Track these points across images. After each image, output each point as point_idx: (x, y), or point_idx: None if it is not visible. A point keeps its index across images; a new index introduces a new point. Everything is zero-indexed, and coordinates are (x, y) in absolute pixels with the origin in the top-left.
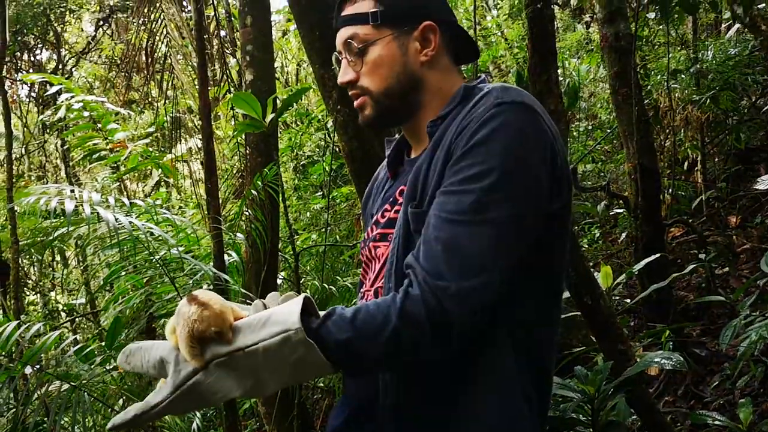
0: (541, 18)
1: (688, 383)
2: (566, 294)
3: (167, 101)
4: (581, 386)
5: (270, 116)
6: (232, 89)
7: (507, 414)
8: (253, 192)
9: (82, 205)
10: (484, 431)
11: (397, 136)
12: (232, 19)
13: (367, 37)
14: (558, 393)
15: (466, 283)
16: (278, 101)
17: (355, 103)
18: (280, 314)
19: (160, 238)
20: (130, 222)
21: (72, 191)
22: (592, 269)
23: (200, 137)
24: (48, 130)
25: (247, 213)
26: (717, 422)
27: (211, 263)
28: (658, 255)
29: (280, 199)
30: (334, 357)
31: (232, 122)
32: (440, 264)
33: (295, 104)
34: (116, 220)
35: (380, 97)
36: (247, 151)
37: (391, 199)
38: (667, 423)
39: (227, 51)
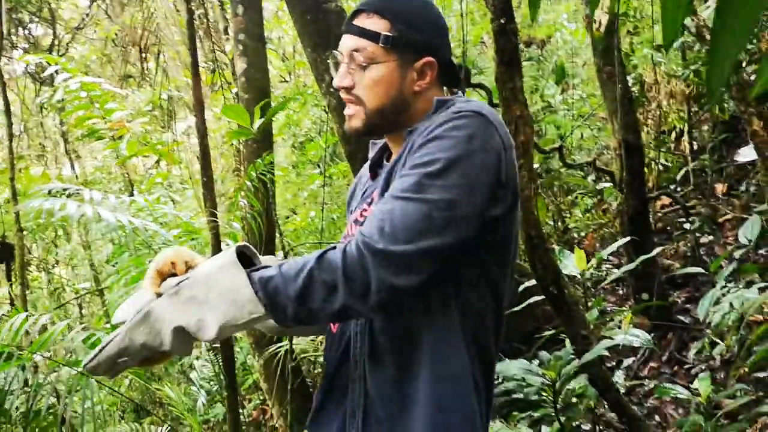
0: (504, 32)
1: (673, 350)
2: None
3: (161, 77)
4: (544, 371)
5: (258, 122)
6: (222, 81)
7: (458, 396)
8: (248, 183)
9: (84, 204)
10: (435, 412)
11: (380, 140)
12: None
13: (375, 56)
14: (524, 378)
15: (392, 247)
16: (273, 83)
17: (347, 111)
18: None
19: (157, 233)
20: (129, 221)
21: (77, 191)
22: (578, 243)
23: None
24: (46, 109)
25: (242, 203)
26: (681, 395)
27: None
28: (628, 238)
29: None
30: (259, 292)
31: (226, 101)
32: (375, 229)
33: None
34: (116, 219)
35: (372, 113)
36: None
37: (369, 199)
38: (624, 400)
39: (217, 43)
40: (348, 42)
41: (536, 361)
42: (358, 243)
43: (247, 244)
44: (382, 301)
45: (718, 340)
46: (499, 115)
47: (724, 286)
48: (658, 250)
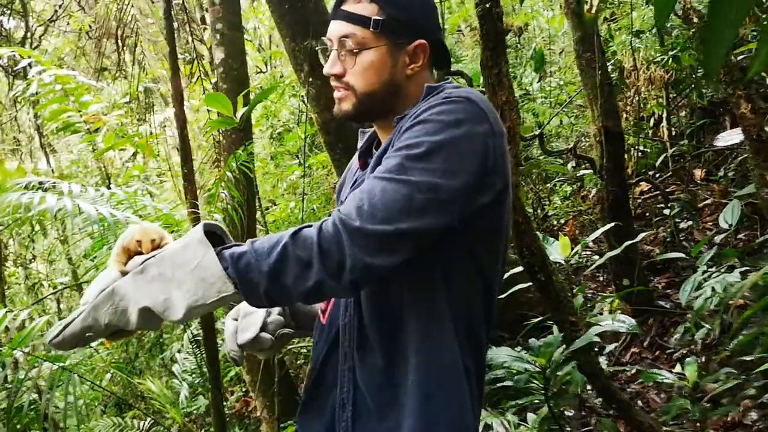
0: (490, 16)
1: (654, 335)
2: (521, 268)
3: (140, 69)
4: (533, 358)
5: (241, 111)
6: (200, 70)
7: (448, 384)
8: (228, 174)
9: (62, 197)
10: (424, 400)
11: (369, 128)
12: None
13: (365, 41)
14: (513, 366)
15: (370, 226)
16: (249, 74)
17: (336, 94)
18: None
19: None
20: (111, 213)
21: (54, 184)
22: (558, 230)
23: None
24: (20, 102)
25: (223, 194)
26: (666, 380)
27: None
28: (612, 224)
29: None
30: (229, 269)
31: (205, 92)
32: (353, 207)
33: (267, 71)
34: (97, 212)
35: (363, 98)
36: (222, 129)
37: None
38: (613, 386)
39: (195, 33)
40: (337, 28)
41: (518, 348)
42: (335, 220)
43: (218, 224)
44: (357, 279)
45: (703, 324)
46: (489, 102)
47: (706, 271)
48: (642, 235)
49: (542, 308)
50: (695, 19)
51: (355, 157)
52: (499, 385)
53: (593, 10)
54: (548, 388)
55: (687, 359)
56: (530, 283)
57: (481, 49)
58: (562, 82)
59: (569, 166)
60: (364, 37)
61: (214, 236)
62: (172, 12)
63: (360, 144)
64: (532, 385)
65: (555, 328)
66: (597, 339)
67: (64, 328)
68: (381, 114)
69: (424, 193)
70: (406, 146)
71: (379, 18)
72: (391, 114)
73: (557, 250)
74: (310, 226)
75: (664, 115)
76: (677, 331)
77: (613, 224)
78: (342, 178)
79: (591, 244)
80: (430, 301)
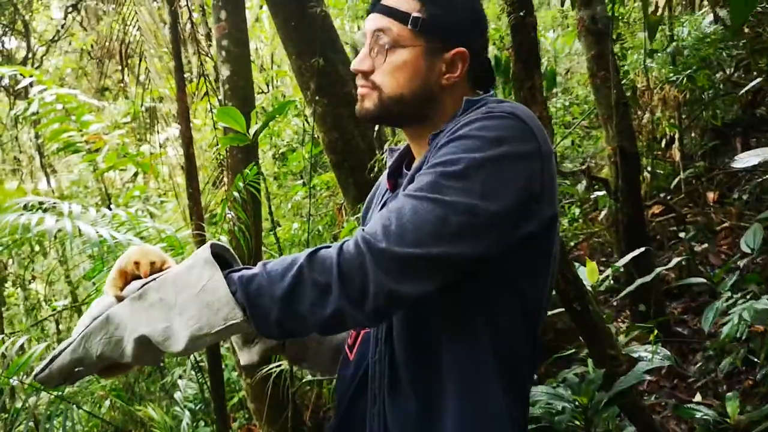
0: (524, 26)
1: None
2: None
3: (142, 89)
4: (574, 397)
5: (254, 128)
6: (208, 86)
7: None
8: (235, 193)
9: (62, 218)
10: None
11: (399, 145)
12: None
13: (400, 38)
14: (550, 402)
15: (397, 248)
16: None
17: (359, 91)
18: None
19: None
20: (111, 235)
21: (54, 204)
22: (574, 258)
23: (177, 126)
24: (21, 122)
25: (229, 215)
26: (705, 416)
27: None
28: (643, 249)
29: (264, 196)
30: (237, 294)
31: (210, 113)
32: (379, 226)
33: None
34: (97, 234)
35: (388, 100)
36: (227, 148)
37: None
38: (656, 425)
39: (202, 48)
40: (373, 21)
41: (555, 384)
42: (358, 240)
43: (226, 246)
44: (380, 308)
45: (725, 352)
46: (537, 119)
47: (730, 297)
48: (671, 264)
49: (570, 337)
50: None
51: (383, 178)
52: (537, 425)
53: (659, 12)
54: (591, 430)
55: (728, 394)
56: (559, 310)
57: (512, 62)
58: (567, 103)
59: (579, 187)
60: (399, 33)
61: (222, 260)
62: (179, 26)
63: (389, 163)
64: (572, 424)
65: (590, 362)
66: (647, 377)
67: (51, 360)
68: (407, 122)
69: (459, 216)
70: (442, 163)
71: (419, 16)
72: (420, 125)
73: (584, 276)
74: (329, 246)
75: (677, 135)
76: (696, 359)
77: (643, 249)
78: (369, 197)
79: (601, 268)
80: (470, 339)
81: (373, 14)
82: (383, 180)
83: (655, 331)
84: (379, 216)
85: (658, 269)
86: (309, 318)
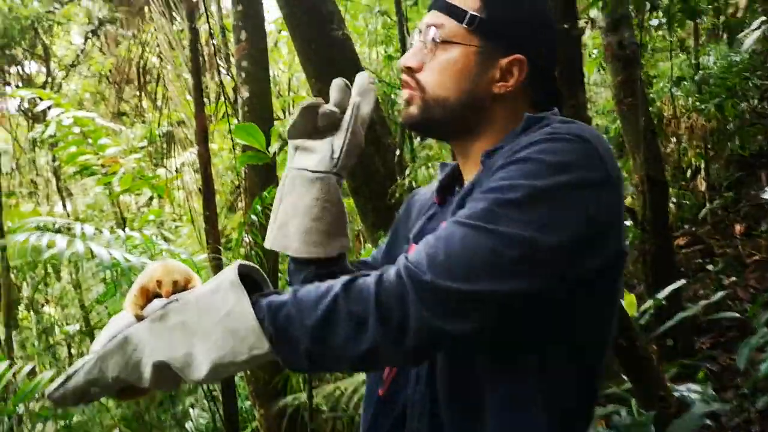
0: (568, 40)
1: None
2: None
3: (160, 113)
4: None
5: (275, 146)
6: (227, 107)
7: None
8: (252, 217)
9: (75, 239)
10: None
11: (447, 162)
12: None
13: (453, 35)
14: None
15: (443, 282)
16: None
17: (405, 95)
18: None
19: None
20: (125, 258)
21: (67, 226)
22: None
23: (193, 150)
24: (38, 145)
25: (246, 239)
26: None
27: None
28: (683, 281)
29: None
30: (265, 322)
31: (228, 135)
32: (424, 255)
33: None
34: (110, 256)
35: (432, 102)
36: (245, 169)
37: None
38: None
39: (222, 66)
40: (431, 15)
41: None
42: (400, 270)
43: (255, 266)
44: (422, 346)
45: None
46: (608, 143)
47: (766, 333)
48: (714, 298)
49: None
50: None
51: (424, 190)
52: None
53: (738, 14)
54: None
55: None
56: None
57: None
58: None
59: None
60: (453, 30)
61: (250, 281)
62: (198, 46)
63: (440, 177)
64: None
65: (633, 402)
66: (706, 420)
67: (66, 380)
68: (453, 133)
69: (515, 249)
70: (499, 188)
71: (477, 15)
72: (467, 138)
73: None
74: (368, 274)
75: (702, 165)
76: (727, 396)
77: (683, 281)
78: (408, 203)
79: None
80: (519, 380)
81: (432, 11)
82: (421, 196)
83: (703, 371)
84: (424, 242)
85: (702, 302)
86: (342, 353)
